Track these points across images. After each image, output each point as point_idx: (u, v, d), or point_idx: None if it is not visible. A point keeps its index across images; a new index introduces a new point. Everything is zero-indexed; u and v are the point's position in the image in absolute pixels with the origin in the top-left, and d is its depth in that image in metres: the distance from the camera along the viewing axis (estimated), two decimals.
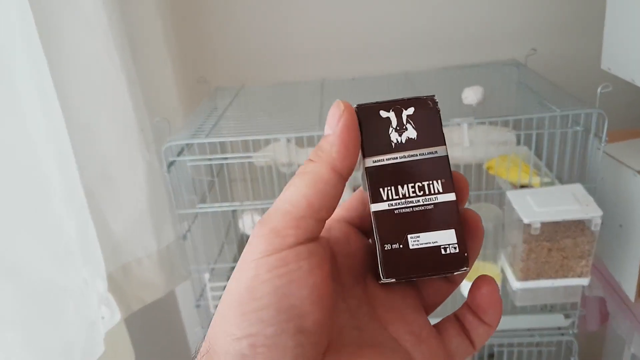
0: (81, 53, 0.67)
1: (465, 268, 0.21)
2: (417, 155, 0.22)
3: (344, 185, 0.21)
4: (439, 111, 0.22)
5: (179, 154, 0.76)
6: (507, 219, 0.74)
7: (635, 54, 0.70)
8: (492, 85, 0.85)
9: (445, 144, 0.22)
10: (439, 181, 0.22)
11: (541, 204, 0.68)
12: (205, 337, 0.21)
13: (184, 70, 0.97)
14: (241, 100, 0.92)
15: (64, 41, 0.65)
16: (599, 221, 0.67)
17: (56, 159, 0.61)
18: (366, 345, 0.21)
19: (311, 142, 0.78)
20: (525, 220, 0.66)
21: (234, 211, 0.94)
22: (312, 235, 0.20)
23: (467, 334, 0.23)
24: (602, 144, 0.71)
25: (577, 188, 0.70)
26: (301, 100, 0.91)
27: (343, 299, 0.23)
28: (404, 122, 0.22)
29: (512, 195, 0.71)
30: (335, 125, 0.21)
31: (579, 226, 0.70)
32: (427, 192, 0.22)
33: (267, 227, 0.20)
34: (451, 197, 0.22)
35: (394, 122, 0.22)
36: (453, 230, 0.21)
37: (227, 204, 0.81)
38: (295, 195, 0.20)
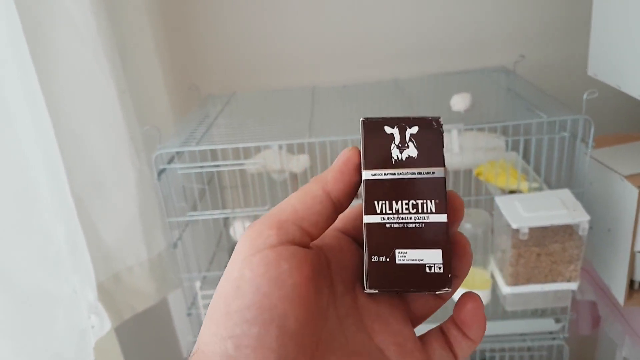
0: (70, 61, 0.67)
1: (447, 289, 0.22)
2: (414, 173, 0.23)
3: (333, 207, 0.22)
4: (442, 133, 0.23)
5: (170, 161, 0.76)
6: (496, 225, 0.75)
7: (621, 61, 0.71)
8: (481, 91, 0.86)
9: (444, 166, 0.23)
10: (433, 201, 0.22)
11: (529, 209, 0.68)
12: (198, 337, 0.21)
13: (175, 77, 0.97)
14: (232, 108, 0.92)
15: (52, 50, 0.65)
16: (587, 226, 0.68)
17: (45, 167, 0.61)
18: (352, 354, 0.22)
19: (302, 149, 0.78)
20: (514, 226, 0.67)
21: (225, 219, 0.94)
22: (293, 239, 0.21)
23: (450, 347, 0.24)
24: (589, 149, 0.72)
25: (565, 193, 0.71)
26: (292, 107, 0.91)
27: (334, 306, 0.23)
28: (407, 140, 0.23)
29: (500, 200, 0.71)
30: (339, 159, 0.23)
31: (567, 231, 0.70)
32: (419, 211, 0.22)
33: (253, 228, 0.22)
34: (442, 218, 0.22)
35: (397, 139, 0.23)
36: (440, 251, 0.22)
37: (218, 211, 0.81)
38: (284, 204, 0.22)
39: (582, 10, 0.86)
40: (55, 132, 0.63)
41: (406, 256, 0.22)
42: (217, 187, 0.90)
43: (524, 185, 0.78)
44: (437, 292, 0.22)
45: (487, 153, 0.79)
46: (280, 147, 0.77)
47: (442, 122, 0.23)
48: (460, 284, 0.24)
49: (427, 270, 0.22)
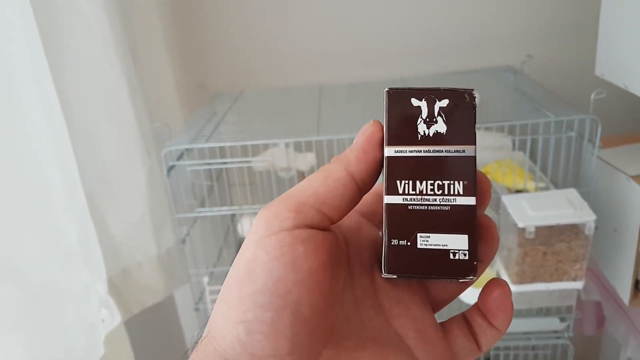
0: (82, 59, 0.68)
1: (471, 277, 0.20)
2: (442, 151, 0.21)
3: (357, 189, 0.21)
4: (475, 107, 0.21)
5: (179, 158, 0.77)
6: (502, 223, 0.75)
7: (629, 61, 0.71)
8: (488, 91, 0.87)
9: (475, 144, 0.21)
10: (461, 182, 0.21)
11: (536, 208, 0.69)
12: (208, 321, 0.21)
13: (184, 75, 0.98)
14: (240, 106, 0.93)
15: (65, 48, 0.66)
16: (593, 225, 0.68)
17: (58, 163, 0.62)
18: (369, 339, 0.21)
19: (309, 147, 0.79)
20: (520, 225, 0.67)
21: (232, 215, 0.95)
22: (311, 223, 0.20)
23: (474, 336, 0.22)
24: (596, 150, 0.72)
25: (571, 193, 0.71)
26: (299, 105, 0.92)
27: (351, 289, 0.22)
28: (435, 114, 0.21)
29: (507, 199, 0.72)
30: (361, 136, 0.22)
31: (573, 230, 0.70)
32: (446, 192, 0.21)
33: (270, 209, 0.20)
34: (471, 201, 0.20)
35: (424, 113, 0.21)
36: (466, 236, 0.20)
37: (226, 208, 0.82)
38: (304, 184, 0.21)
39: (590, 10, 0.86)
40: (68, 129, 0.64)
41: (429, 240, 0.20)
42: (225, 184, 0.91)
43: (531, 185, 0.78)
44: (460, 280, 0.21)
45: (494, 152, 0.80)
46: (287, 145, 0.78)
47: (475, 95, 0.21)
48: (485, 269, 0.22)
49: (451, 257, 0.20)
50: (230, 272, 0.20)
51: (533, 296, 0.75)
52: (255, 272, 0.19)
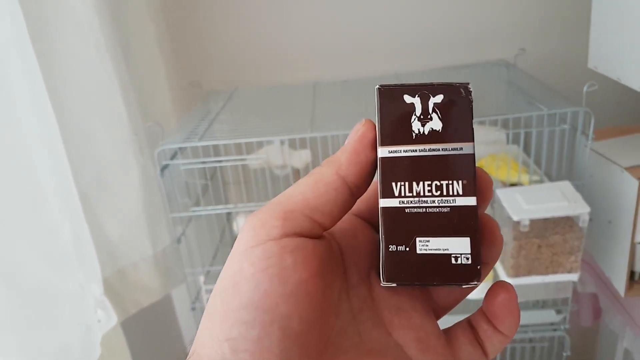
0: (73, 58, 0.67)
1: (475, 282, 0.19)
2: (439, 150, 0.20)
3: (349, 193, 0.20)
4: (471, 102, 0.20)
5: (173, 157, 0.77)
6: (497, 217, 0.75)
7: (621, 53, 0.71)
8: (481, 85, 0.87)
9: (473, 141, 0.20)
10: (460, 182, 0.19)
11: (530, 201, 0.69)
12: (195, 338, 0.20)
13: (177, 74, 0.98)
14: (234, 104, 0.93)
15: (56, 47, 0.65)
16: (587, 217, 0.68)
17: (50, 164, 0.61)
18: (367, 353, 0.20)
19: (304, 144, 0.79)
20: (515, 218, 0.67)
21: (228, 214, 0.94)
22: (300, 230, 0.19)
23: (479, 342, 0.21)
24: (589, 142, 0.72)
25: (565, 185, 0.72)
26: (294, 102, 0.92)
27: (348, 299, 0.21)
28: (430, 110, 0.20)
29: (501, 193, 0.72)
30: (352, 136, 0.21)
31: (568, 222, 0.71)
32: (444, 193, 0.19)
33: (256, 217, 0.19)
34: (471, 201, 0.19)
35: (418, 110, 0.20)
36: (468, 239, 0.19)
37: (221, 206, 0.81)
38: (293, 190, 0.20)
39: (582, 3, 0.86)
40: (60, 129, 0.63)
41: (428, 245, 0.19)
42: (220, 183, 0.91)
43: (525, 178, 0.78)
44: (463, 286, 0.20)
45: (488, 146, 0.80)
46: (282, 142, 0.78)
47: (471, 89, 0.20)
48: (490, 271, 0.21)
49: (453, 261, 0.19)
50: (216, 285, 0.19)
51: (529, 289, 0.75)
52: (241, 286, 0.18)
